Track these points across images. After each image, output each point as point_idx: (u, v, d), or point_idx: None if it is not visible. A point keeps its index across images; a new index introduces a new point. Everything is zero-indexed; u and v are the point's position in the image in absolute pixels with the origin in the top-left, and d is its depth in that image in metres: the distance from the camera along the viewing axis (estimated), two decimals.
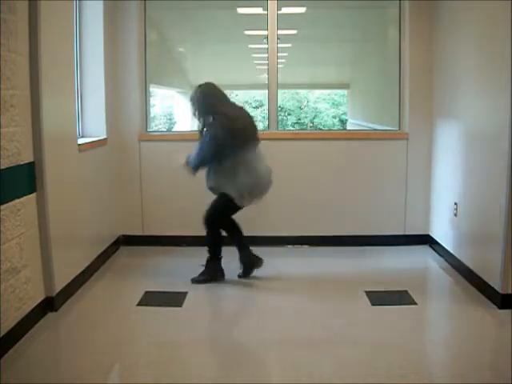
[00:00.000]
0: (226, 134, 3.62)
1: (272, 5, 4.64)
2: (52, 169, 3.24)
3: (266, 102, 4.77)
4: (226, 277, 3.88)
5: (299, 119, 7.32)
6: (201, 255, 4.49)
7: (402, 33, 4.64)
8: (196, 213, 4.72)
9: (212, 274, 3.87)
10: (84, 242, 3.91)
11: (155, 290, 3.72)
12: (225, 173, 3.72)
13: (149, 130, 4.84)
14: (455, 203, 4.06)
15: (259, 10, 4.84)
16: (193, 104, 3.77)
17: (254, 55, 5.77)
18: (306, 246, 4.51)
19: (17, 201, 2.92)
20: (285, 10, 4.77)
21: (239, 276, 3.91)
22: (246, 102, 9.05)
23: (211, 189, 3.83)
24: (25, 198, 3.02)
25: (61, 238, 3.38)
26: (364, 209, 4.71)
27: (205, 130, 3.73)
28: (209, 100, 3.73)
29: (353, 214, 4.71)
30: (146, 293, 3.66)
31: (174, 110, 6.87)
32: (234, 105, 3.91)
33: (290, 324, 3.37)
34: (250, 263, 3.88)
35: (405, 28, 4.60)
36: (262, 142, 3.87)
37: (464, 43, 3.92)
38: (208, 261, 3.90)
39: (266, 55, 4.71)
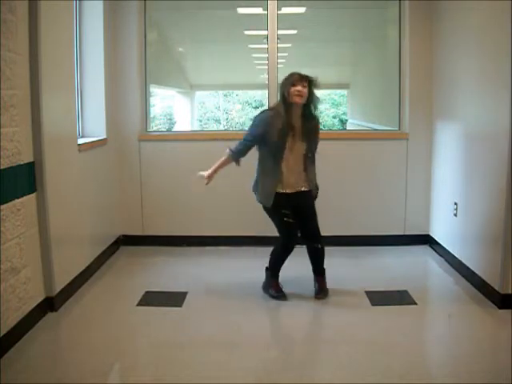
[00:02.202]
0: None
1: (272, 5, 4.64)
2: (52, 169, 3.24)
3: (265, 102, 4.76)
4: (223, 277, 3.88)
5: None
6: (201, 255, 4.52)
7: (402, 33, 4.64)
8: (196, 213, 4.76)
9: None
10: (84, 242, 3.91)
11: (155, 290, 3.72)
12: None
13: (149, 130, 4.84)
14: (455, 203, 4.06)
15: (259, 10, 4.83)
16: None
17: (254, 55, 5.78)
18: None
19: (17, 201, 2.92)
20: (285, 10, 4.77)
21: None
22: (246, 102, 9.07)
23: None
24: (25, 197, 3.02)
25: (61, 238, 3.38)
26: (364, 209, 4.71)
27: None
28: None
29: (353, 214, 4.71)
30: (146, 293, 3.66)
31: (173, 110, 6.88)
32: None
33: (290, 324, 3.37)
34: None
35: (405, 28, 4.60)
36: None
37: (464, 43, 3.92)
38: (324, 275, 3.66)
39: (266, 55, 4.71)
